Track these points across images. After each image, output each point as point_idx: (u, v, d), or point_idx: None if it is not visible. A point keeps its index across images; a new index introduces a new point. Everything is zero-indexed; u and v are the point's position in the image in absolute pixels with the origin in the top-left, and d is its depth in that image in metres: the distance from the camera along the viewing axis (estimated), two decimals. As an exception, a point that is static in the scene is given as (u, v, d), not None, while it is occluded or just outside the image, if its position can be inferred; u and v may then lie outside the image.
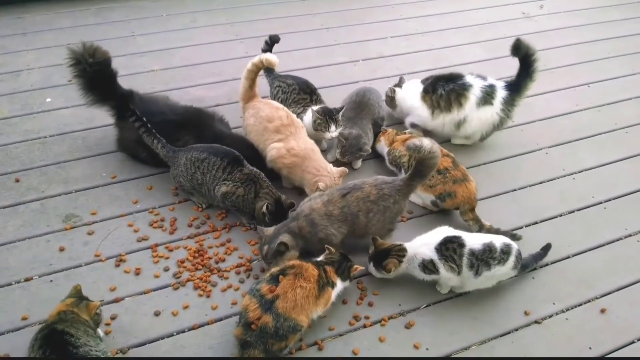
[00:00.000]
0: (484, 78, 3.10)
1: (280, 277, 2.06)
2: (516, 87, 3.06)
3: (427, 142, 2.27)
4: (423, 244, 2.29)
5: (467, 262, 2.22)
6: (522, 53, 2.99)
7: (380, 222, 2.40)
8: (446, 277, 2.25)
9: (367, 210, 2.36)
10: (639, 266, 2.56)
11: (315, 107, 2.90)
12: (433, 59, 4.09)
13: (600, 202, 2.90)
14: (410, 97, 3.17)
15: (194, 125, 2.84)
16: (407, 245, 2.31)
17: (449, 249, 2.24)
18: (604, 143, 3.35)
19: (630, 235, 2.72)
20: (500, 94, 3.05)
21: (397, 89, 3.26)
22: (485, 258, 2.23)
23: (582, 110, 3.65)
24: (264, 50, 3.21)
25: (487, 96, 3.03)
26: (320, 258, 2.26)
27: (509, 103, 3.05)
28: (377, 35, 4.32)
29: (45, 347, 1.79)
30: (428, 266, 2.24)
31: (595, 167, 3.15)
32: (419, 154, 2.28)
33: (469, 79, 3.06)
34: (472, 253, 2.23)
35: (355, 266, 2.26)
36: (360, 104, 3.06)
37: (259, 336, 1.97)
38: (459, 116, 3.04)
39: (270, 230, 2.36)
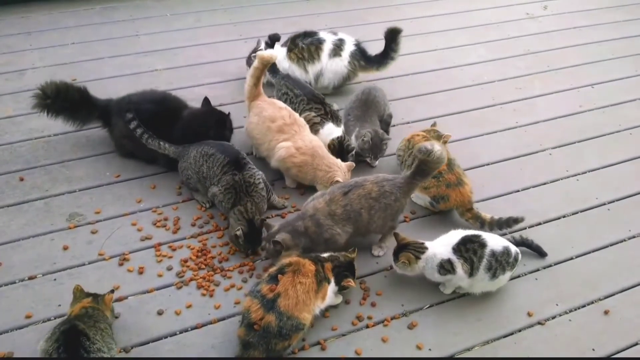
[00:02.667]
0: (335, 33, 3.50)
1: (279, 275, 2.06)
2: (369, 60, 3.52)
3: (437, 149, 2.27)
4: (442, 244, 2.28)
5: (486, 263, 2.21)
6: (389, 43, 3.46)
7: (382, 220, 2.40)
8: (461, 277, 2.24)
9: (369, 207, 2.36)
10: (643, 268, 2.56)
11: (338, 137, 2.88)
12: (437, 59, 4.09)
13: (604, 204, 2.89)
14: (280, 61, 3.40)
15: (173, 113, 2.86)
16: (428, 244, 2.29)
17: (469, 249, 2.23)
18: (608, 144, 3.35)
19: (634, 237, 2.71)
20: (349, 47, 3.47)
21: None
22: (502, 261, 2.23)
23: (586, 112, 3.64)
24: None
25: (337, 48, 3.44)
26: (325, 255, 2.25)
27: (356, 59, 3.47)
28: (381, 36, 4.30)
29: (60, 342, 1.81)
30: (445, 266, 2.23)
31: (599, 169, 3.14)
32: (428, 157, 2.28)
33: (322, 34, 3.48)
34: (493, 254, 2.22)
35: (349, 279, 2.20)
36: (366, 102, 3.06)
37: (261, 336, 1.97)
38: (317, 68, 3.44)
39: (275, 227, 2.36)
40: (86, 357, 1.79)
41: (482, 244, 2.24)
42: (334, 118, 2.99)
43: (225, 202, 2.50)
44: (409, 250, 2.26)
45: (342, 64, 3.47)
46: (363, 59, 3.51)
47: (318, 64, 3.45)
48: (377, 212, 2.37)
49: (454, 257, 2.22)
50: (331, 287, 2.17)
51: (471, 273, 2.23)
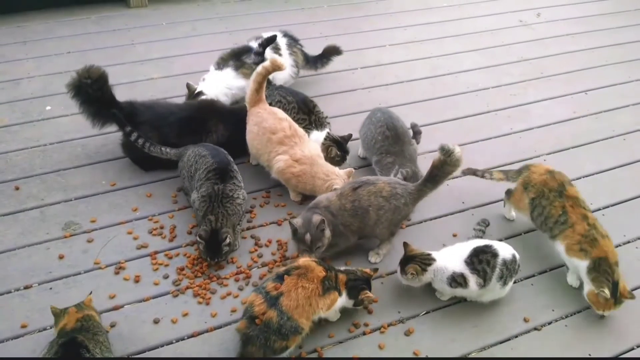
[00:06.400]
0: (262, 38, 3.44)
1: (285, 276, 2.08)
2: (306, 57, 3.65)
3: (458, 150, 2.32)
4: (453, 256, 2.26)
5: (498, 272, 2.21)
6: (327, 55, 3.70)
7: (388, 222, 2.41)
8: (471, 290, 2.23)
9: (378, 206, 2.38)
10: (638, 273, 2.56)
11: (327, 136, 2.96)
12: (431, 67, 4.11)
13: (599, 209, 2.90)
14: (230, 81, 3.32)
15: (209, 113, 2.95)
16: (435, 255, 2.27)
17: (482, 261, 2.21)
18: (602, 150, 3.37)
19: (629, 242, 2.72)
20: (282, 41, 3.52)
21: (202, 84, 3.29)
22: (511, 269, 2.25)
23: (580, 118, 3.66)
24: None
25: (275, 50, 3.45)
26: (341, 268, 2.26)
27: (291, 46, 3.56)
28: (376, 44, 4.35)
29: (60, 354, 1.81)
30: (457, 279, 2.21)
31: (593, 174, 3.15)
32: (448, 157, 2.31)
33: (254, 45, 3.43)
34: (504, 263, 2.23)
35: (366, 291, 2.18)
36: (397, 135, 2.89)
37: (261, 330, 1.98)
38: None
39: (299, 221, 2.36)
40: None
41: (494, 254, 2.23)
42: (318, 125, 3.05)
43: (200, 209, 2.49)
44: (416, 262, 2.23)
45: (284, 59, 3.42)
46: (297, 44, 3.60)
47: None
48: (386, 212, 2.38)
49: (467, 272, 2.21)
50: (341, 300, 2.17)
51: (483, 284, 2.22)
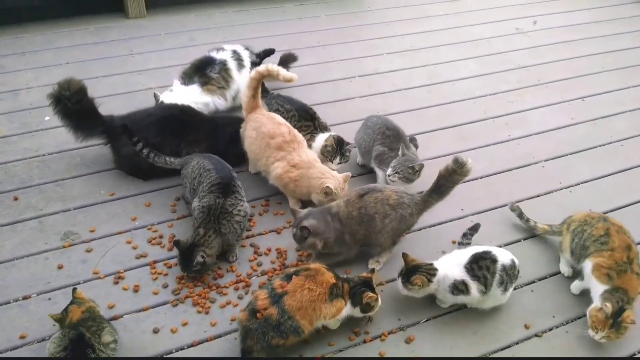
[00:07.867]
0: (222, 48, 3.49)
1: (294, 276, 2.09)
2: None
3: (469, 162, 2.33)
4: (453, 264, 2.25)
5: (498, 278, 2.21)
6: (284, 64, 3.58)
7: (392, 230, 2.41)
8: (473, 297, 2.23)
9: (384, 214, 2.38)
10: (638, 278, 2.56)
11: (330, 135, 2.98)
12: (428, 75, 4.13)
13: (597, 215, 2.91)
14: (196, 97, 3.28)
15: (190, 114, 2.98)
16: (436, 264, 2.26)
17: (482, 267, 2.21)
18: (600, 156, 3.38)
19: (628, 248, 2.72)
20: (245, 54, 3.53)
21: (167, 95, 3.25)
22: (511, 274, 2.25)
23: (578, 124, 3.68)
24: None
25: (239, 61, 3.46)
26: (344, 276, 2.26)
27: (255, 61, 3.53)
28: (373, 52, 4.37)
29: (68, 351, 1.89)
30: (459, 287, 2.21)
31: (591, 180, 3.17)
32: (461, 168, 2.32)
33: (215, 55, 3.43)
34: (504, 268, 2.23)
35: (367, 293, 2.15)
36: (398, 135, 2.94)
37: (261, 325, 2.00)
38: (234, 89, 3.42)
39: (304, 212, 2.38)
40: None
41: (494, 260, 2.23)
42: (323, 129, 3.07)
43: (197, 219, 2.47)
44: (422, 273, 2.20)
45: (248, 72, 3.39)
46: (258, 58, 3.61)
47: (235, 85, 3.42)
48: (392, 221, 2.38)
49: (468, 278, 2.20)
50: (346, 310, 2.17)
51: (484, 291, 2.22)
